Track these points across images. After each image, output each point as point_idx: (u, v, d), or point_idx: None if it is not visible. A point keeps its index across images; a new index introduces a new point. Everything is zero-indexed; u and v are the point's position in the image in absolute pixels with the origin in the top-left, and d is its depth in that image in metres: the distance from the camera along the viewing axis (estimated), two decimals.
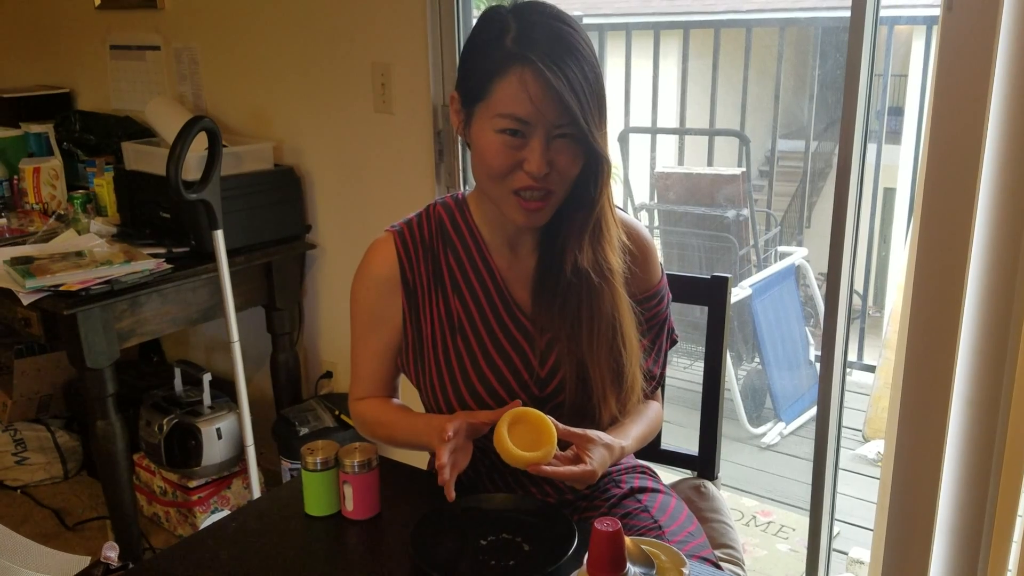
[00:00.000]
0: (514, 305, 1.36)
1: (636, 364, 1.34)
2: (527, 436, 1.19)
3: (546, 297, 1.34)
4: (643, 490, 1.44)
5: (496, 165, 1.22)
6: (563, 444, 1.24)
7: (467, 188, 1.44)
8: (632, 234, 1.38)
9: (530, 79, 1.17)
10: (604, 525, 0.91)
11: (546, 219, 1.28)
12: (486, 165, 1.24)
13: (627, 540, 0.99)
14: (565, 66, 1.17)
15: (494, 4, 1.28)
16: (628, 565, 0.92)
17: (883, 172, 4.07)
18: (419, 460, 1.53)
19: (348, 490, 1.28)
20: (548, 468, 1.18)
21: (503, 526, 1.22)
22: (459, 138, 2.33)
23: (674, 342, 1.48)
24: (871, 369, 3.85)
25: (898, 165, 4.51)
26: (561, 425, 1.22)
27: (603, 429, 1.32)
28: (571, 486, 1.25)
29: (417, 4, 2.31)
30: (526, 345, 1.34)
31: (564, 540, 1.15)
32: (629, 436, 1.35)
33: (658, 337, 1.43)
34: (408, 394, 1.47)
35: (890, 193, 4.77)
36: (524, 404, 1.29)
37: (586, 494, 1.43)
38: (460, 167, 2.39)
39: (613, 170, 1.32)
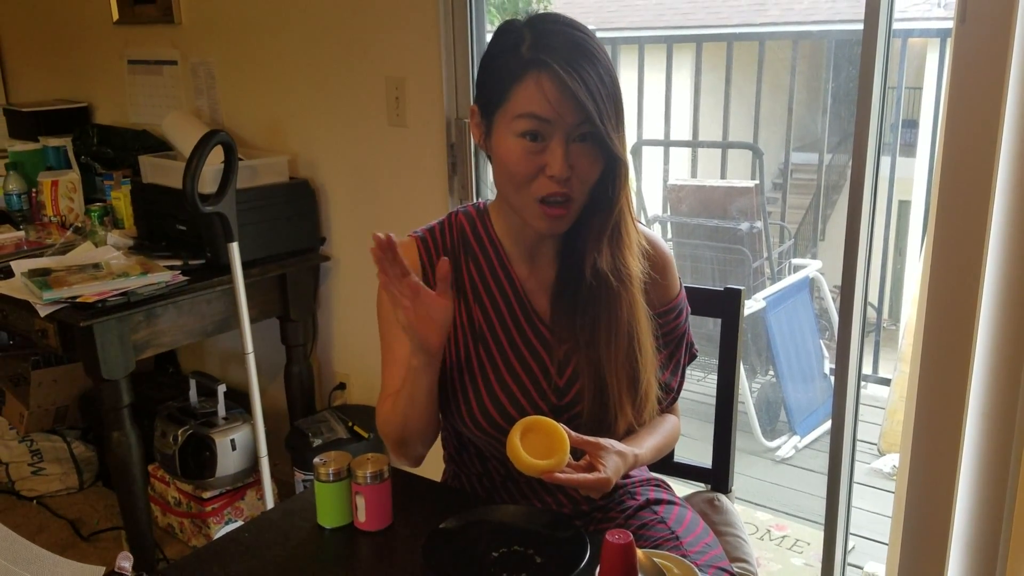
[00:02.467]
0: (534, 314, 1.36)
1: (651, 371, 1.34)
2: (540, 444, 1.20)
3: (565, 305, 1.34)
4: (659, 502, 1.44)
5: (518, 171, 1.23)
6: (577, 454, 1.24)
7: (480, 201, 1.44)
8: (653, 247, 1.38)
9: (547, 82, 1.19)
10: (616, 537, 0.91)
11: (567, 226, 1.29)
12: (508, 172, 1.25)
13: (639, 552, 0.99)
14: (581, 69, 1.19)
15: (509, 18, 1.29)
16: None
17: (898, 185, 4.06)
18: (432, 472, 1.53)
19: (360, 501, 1.28)
20: (562, 476, 1.18)
21: (515, 538, 1.22)
22: (476, 151, 2.36)
23: (693, 356, 1.48)
24: (886, 382, 3.83)
25: (913, 178, 4.50)
26: (574, 433, 1.22)
27: (619, 439, 1.32)
28: (586, 494, 1.24)
29: (431, 18, 2.33)
30: (545, 354, 1.34)
31: (576, 552, 1.15)
32: (644, 445, 1.35)
33: (676, 351, 1.43)
34: None
35: (905, 206, 4.75)
36: (541, 413, 1.29)
37: (601, 505, 1.43)
38: (473, 180, 2.40)
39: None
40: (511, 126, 1.22)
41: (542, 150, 1.22)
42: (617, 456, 1.25)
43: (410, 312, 1.21)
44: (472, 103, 1.32)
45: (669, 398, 1.44)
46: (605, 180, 1.27)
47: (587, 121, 1.19)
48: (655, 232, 1.44)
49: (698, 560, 1.31)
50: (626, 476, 1.47)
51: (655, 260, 1.37)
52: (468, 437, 1.40)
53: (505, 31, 1.26)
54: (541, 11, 1.27)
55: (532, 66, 1.20)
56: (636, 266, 1.31)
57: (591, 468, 1.22)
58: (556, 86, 1.18)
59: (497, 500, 1.41)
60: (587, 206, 1.29)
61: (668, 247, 1.44)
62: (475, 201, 1.45)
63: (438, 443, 1.51)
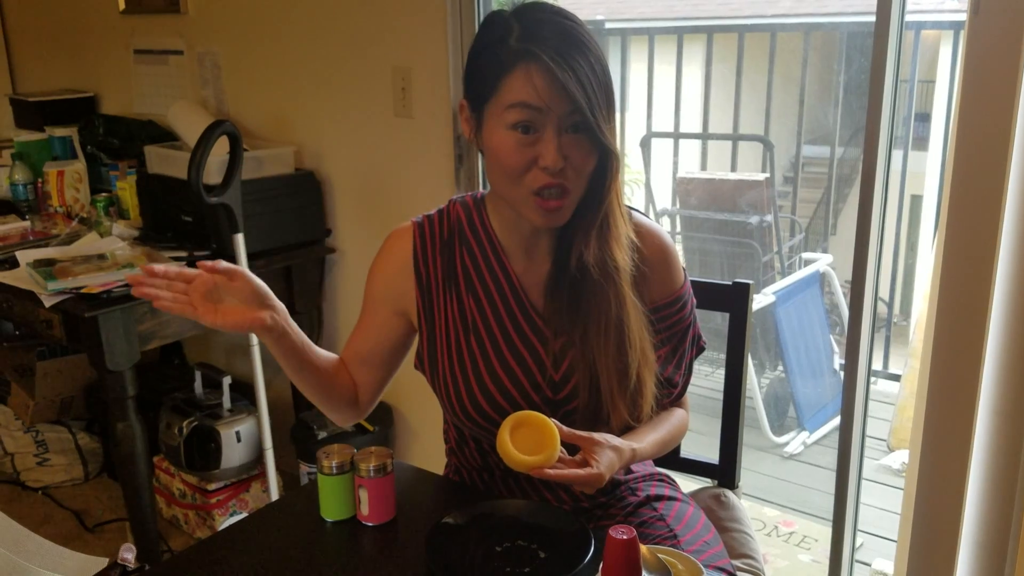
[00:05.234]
0: (530, 307, 1.34)
1: (644, 367, 1.31)
2: (530, 440, 1.18)
3: (559, 298, 1.33)
4: (659, 498, 1.43)
5: (511, 164, 1.21)
6: (573, 449, 1.23)
7: (478, 192, 1.43)
8: (651, 237, 1.36)
9: (536, 73, 1.17)
10: (619, 533, 0.90)
11: (565, 219, 1.27)
12: (501, 166, 1.23)
13: (643, 548, 0.97)
14: (571, 59, 1.17)
15: (496, 9, 1.27)
16: (644, 573, 0.90)
17: (910, 179, 4.02)
18: (436, 465, 1.52)
19: (364, 494, 1.28)
20: (552, 471, 1.16)
21: (518, 533, 1.21)
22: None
23: (701, 349, 1.46)
24: (897, 378, 3.80)
25: (925, 172, 4.46)
26: (566, 429, 1.21)
27: (617, 435, 1.31)
28: (582, 491, 1.23)
29: (437, 8, 2.31)
30: (540, 347, 1.33)
31: (580, 548, 1.14)
32: (644, 440, 1.33)
33: (680, 345, 1.41)
34: (413, 400, 1.46)
35: (917, 200, 4.72)
36: (534, 406, 1.28)
37: (602, 502, 1.41)
38: (480, 170, 2.39)
39: (634, 174, 1.31)
40: (502, 117, 1.20)
41: (534, 142, 1.20)
42: (612, 451, 1.23)
43: (208, 311, 1.21)
44: (462, 98, 1.30)
45: (675, 393, 1.42)
46: (597, 172, 1.25)
47: (577, 111, 1.18)
48: (657, 224, 1.42)
49: (696, 558, 1.29)
50: (628, 471, 1.45)
51: (652, 252, 1.35)
52: (466, 430, 1.39)
53: (492, 22, 1.24)
54: (528, 2, 1.26)
55: (521, 56, 1.18)
56: (624, 259, 1.29)
57: (585, 463, 1.20)
58: (546, 76, 1.17)
59: (497, 495, 1.39)
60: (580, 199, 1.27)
61: (669, 239, 1.41)
62: (474, 192, 1.43)
63: (439, 438, 1.50)
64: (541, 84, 1.17)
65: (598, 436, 1.24)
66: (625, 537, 0.89)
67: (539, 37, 1.18)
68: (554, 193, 1.22)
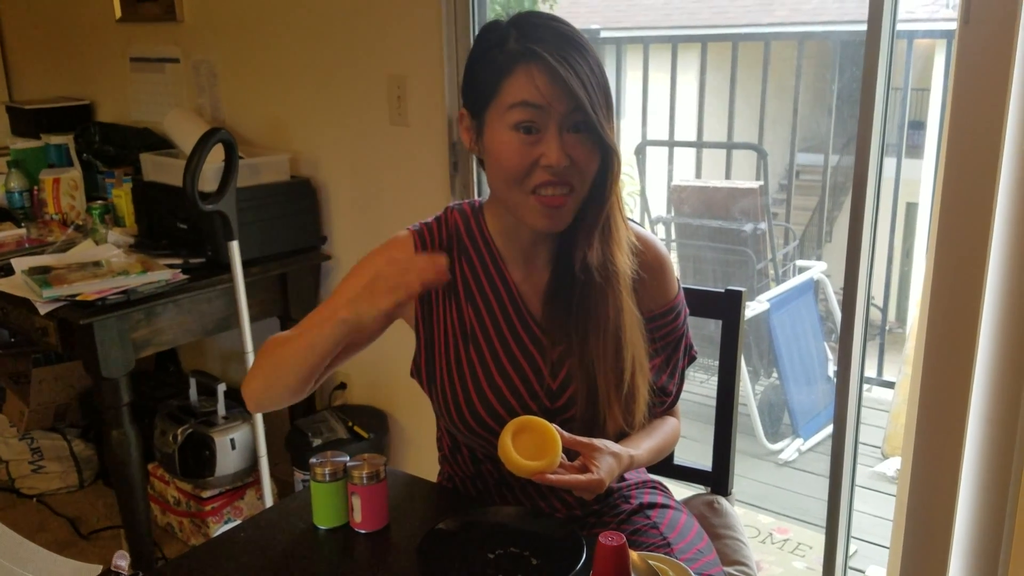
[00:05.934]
0: (528, 316, 1.35)
1: (638, 373, 1.31)
2: (532, 445, 1.19)
3: (558, 305, 1.33)
4: (652, 506, 1.43)
5: (513, 165, 1.22)
6: (572, 455, 1.23)
7: (484, 196, 1.43)
8: (647, 246, 1.37)
9: (537, 72, 1.18)
10: (609, 539, 0.90)
11: (567, 221, 1.26)
12: (503, 168, 1.23)
13: (633, 555, 0.98)
14: (570, 58, 1.18)
15: (494, 18, 1.28)
16: None
17: (905, 187, 4.04)
18: (429, 473, 1.52)
19: (356, 501, 1.28)
20: (553, 476, 1.17)
21: (511, 540, 1.21)
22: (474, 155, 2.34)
23: (692, 358, 1.46)
24: (891, 385, 3.81)
25: (920, 180, 4.48)
26: (567, 434, 1.21)
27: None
28: (579, 497, 1.23)
29: (433, 17, 2.32)
30: (538, 356, 1.33)
31: (572, 554, 1.14)
32: (640, 447, 1.33)
33: (674, 354, 1.42)
34: (408, 408, 1.46)
35: (912, 208, 4.74)
36: (532, 415, 1.28)
37: (595, 510, 1.42)
38: (475, 179, 2.39)
39: (631, 183, 1.32)
40: (504, 118, 1.21)
41: (537, 141, 1.20)
42: (611, 457, 1.24)
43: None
44: (460, 107, 1.30)
45: (668, 401, 1.42)
46: (598, 173, 1.26)
47: (579, 109, 1.18)
48: (652, 234, 1.43)
49: (689, 567, 1.30)
50: (621, 479, 1.46)
51: (648, 260, 1.35)
52: (461, 438, 1.39)
53: (490, 30, 1.26)
54: (524, 11, 1.27)
55: (521, 56, 1.19)
56: (624, 263, 1.30)
57: (584, 469, 1.21)
58: (547, 74, 1.18)
59: (490, 503, 1.40)
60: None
61: (664, 248, 1.42)
62: (471, 199, 1.43)
63: (434, 445, 1.50)
64: (542, 82, 1.18)
65: (598, 442, 1.24)
66: (614, 543, 0.89)
67: (538, 39, 1.19)
68: (557, 191, 1.22)
